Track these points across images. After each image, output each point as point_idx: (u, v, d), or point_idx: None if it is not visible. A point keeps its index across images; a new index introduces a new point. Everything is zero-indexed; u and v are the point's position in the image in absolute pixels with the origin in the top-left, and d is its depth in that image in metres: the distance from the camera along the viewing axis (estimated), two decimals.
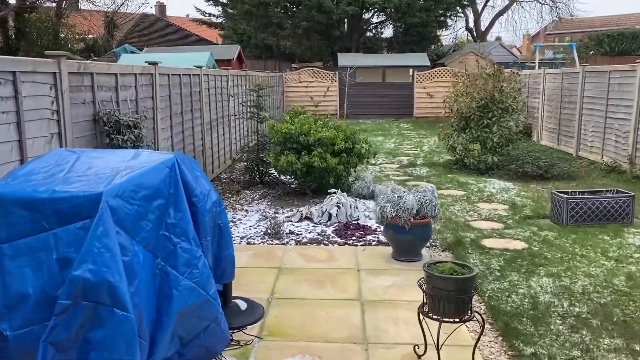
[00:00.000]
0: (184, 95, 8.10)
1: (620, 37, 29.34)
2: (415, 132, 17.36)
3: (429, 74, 21.52)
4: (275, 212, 7.37)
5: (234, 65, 18.07)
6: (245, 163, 9.30)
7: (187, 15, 30.62)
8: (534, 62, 23.32)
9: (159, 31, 28.24)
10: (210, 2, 29.15)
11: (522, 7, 36.04)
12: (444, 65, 23.68)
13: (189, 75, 8.42)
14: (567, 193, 6.78)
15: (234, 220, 7.01)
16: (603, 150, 10.74)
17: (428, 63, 23.05)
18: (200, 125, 8.96)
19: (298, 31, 24.83)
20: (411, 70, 22.65)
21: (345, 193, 7.41)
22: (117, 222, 2.58)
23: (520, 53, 44.12)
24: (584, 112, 11.61)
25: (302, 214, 7.04)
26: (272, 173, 9.08)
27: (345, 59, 23.03)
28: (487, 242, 6.06)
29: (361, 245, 6.01)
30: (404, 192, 5.57)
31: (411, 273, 5.03)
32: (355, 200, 7.61)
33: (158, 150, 6.66)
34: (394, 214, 5.38)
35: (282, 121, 8.60)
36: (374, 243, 6.08)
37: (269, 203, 7.95)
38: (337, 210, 6.79)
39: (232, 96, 10.57)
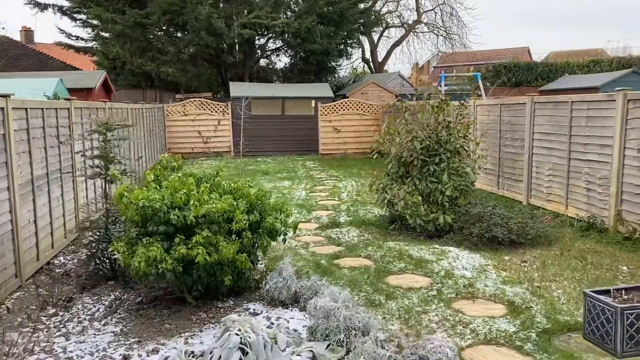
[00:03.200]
0: None
1: (516, 68, 29.35)
2: (326, 174, 14.68)
3: (334, 106, 19.16)
4: (127, 352, 4.10)
5: (95, 96, 14.40)
6: (87, 248, 5.86)
7: (55, 42, 26.05)
8: (440, 94, 21.88)
9: (11, 55, 23.46)
10: (78, 22, 24.97)
11: (418, 37, 35.46)
12: (345, 97, 21.52)
13: None
14: (609, 292, 4.26)
15: None
16: (568, 200, 8.64)
17: (331, 94, 20.76)
18: (8, 189, 5.46)
19: (183, 56, 21.48)
20: (314, 101, 20.20)
21: (250, 305, 4.34)
22: None
23: (411, 85, 43.86)
24: (536, 151, 9.57)
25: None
26: None
27: (238, 89, 20.07)
28: None
29: None
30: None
31: None
32: (269, 319, 4.57)
33: None
34: None
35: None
36: None
37: (120, 326, 4.64)
38: None
39: (62, 143, 7.10)
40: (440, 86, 22.76)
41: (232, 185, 5.15)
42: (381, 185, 7.97)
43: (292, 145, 20.09)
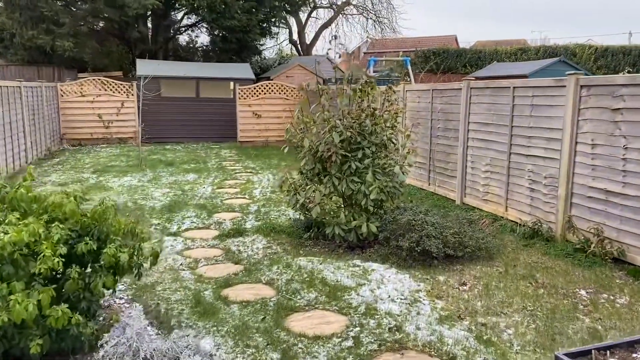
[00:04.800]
0: None
1: (445, 54, 28.73)
2: (242, 165, 13.02)
3: (255, 89, 17.44)
4: None
5: None
6: None
7: None
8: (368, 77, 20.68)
9: None
10: None
11: (347, 19, 34.15)
12: (269, 80, 19.83)
13: None
14: (588, 354, 2.98)
15: None
16: (508, 201, 7.53)
17: (252, 76, 18.96)
18: None
19: (82, 29, 18.88)
20: (232, 83, 18.36)
21: None
22: None
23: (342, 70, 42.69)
24: (471, 143, 8.41)
25: None
26: None
27: (145, 67, 17.87)
28: None
29: None
30: None
31: None
32: None
33: None
34: None
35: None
36: None
37: None
38: None
39: None
40: (370, 71, 21.60)
41: (51, 200, 3.44)
42: (293, 185, 6.47)
43: (208, 131, 18.20)
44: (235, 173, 11.77)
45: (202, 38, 27.80)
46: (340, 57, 40.87)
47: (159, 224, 7.42)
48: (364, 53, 47.93)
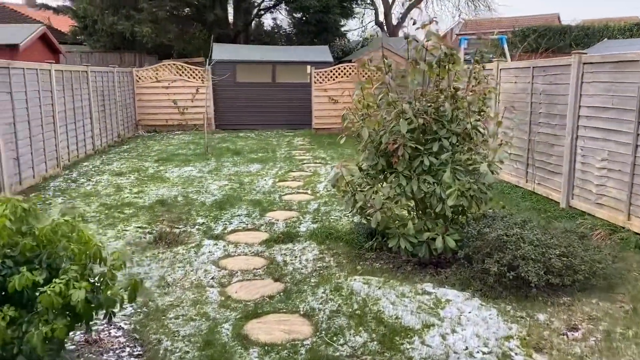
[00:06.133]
0: None
1: (547, 32, 25.92)
2: (312, 155, 11.95)
3: (331, 72, 16.27)
4: None
5: (24, 55, 11.76)
6: None
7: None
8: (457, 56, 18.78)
9: None
10: None
11: None
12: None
13: None
14: None
15: None
16: (632, 207, 5.84)
17: (330, 58, 17.81)
18: None
19: (160, 14, 18.63)
20: (309, 67, 17.30)
21: None
22: None
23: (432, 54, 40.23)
24: (583, 132, 6.72)
25: None
26: None
27: (221, 52, 17.27)
28: None
29: None
30: None
31: None
32: None
33: None
34: None
35: None
36: None
37: None
38: None
39: None
40: (460, 52, 19.70)
41: None
42: (350, 184, 5.25)
43: (284, 117, 17.32)
44: (302, 164, 10.71)
45: (283, 22, 26.93)
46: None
47: (203, 223, 6.52)
48: (457, 35, 45.24)
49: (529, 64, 8.15)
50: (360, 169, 5.33)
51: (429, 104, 5.03)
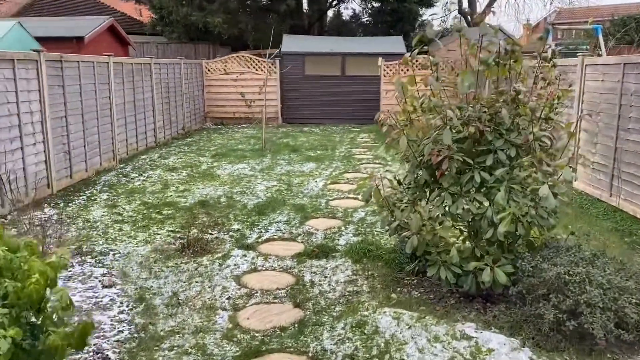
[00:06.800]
0: None
1: None
2: (373, 154, 11.27)
3: (401, 64, 15.39)
4: None
5: (90, 47, 11.93)
6: None
7: None
8: (546, 53, 17.21)
9: None
10: None
11: None
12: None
13: None
14: None
15: None
16: None
17: (403, 50, 16.90)
18: None
19: (232, 5, 18.55)
20: (380, 59, 16.53)
21: None
22: None
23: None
24: None
25: None
26: None
27: (290, 43, 16.93)
28: None
29: None
30: None
31: None
32: None
33: None
34: None
35: None
36: None
37: None
38: None
39: None
40: (549, 43, 18.06)
41: None
42: (387, 199, 4.59)
43: (352, 112, 16.70)
44: (360, 164, 10.08)
45: (362, 12, 26.19)
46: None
47: (238, 230, 6.11)
48: (550, 25, 42.31)
49: (620, 59, 7.02)
50: (400, 182, 4.66)
51: (483, 109, 4.26)
